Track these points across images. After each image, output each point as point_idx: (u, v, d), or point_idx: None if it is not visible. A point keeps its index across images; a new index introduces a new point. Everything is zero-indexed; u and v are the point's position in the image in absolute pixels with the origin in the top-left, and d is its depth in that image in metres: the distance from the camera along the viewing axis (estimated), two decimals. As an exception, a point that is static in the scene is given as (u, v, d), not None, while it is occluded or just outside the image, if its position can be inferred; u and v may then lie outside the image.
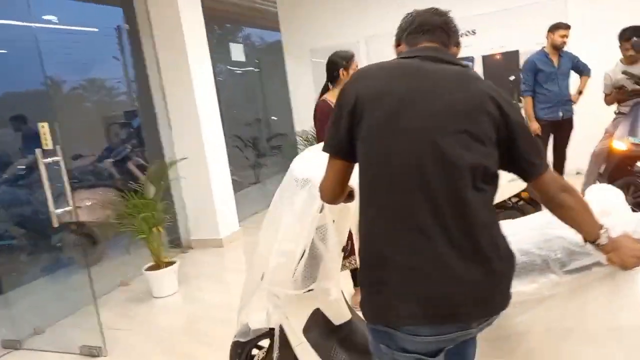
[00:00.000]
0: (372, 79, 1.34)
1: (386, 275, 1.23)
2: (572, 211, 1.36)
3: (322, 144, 1.92)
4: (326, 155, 1.43)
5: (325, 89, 3.26)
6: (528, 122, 4.90)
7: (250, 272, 2.09)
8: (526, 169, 1.33)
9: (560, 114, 4.83)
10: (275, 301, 1.98)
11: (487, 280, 1.24)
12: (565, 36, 4.73)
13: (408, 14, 1.50)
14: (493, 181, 1.30)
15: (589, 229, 1.40)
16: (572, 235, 1.50)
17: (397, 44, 1.53)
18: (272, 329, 2.08)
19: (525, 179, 1.36)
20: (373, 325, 1.30)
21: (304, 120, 7.49)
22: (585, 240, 1.43)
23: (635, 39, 4.13)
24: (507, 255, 1.31)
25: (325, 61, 3.23)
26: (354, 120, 1.31)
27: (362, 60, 7.02)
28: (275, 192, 2.02)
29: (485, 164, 1.25)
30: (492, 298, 1.27)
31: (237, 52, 7.97)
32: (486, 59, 6.48)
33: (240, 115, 9.65)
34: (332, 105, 3.26)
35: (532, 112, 4.89)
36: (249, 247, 5.18)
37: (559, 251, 1.54)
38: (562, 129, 4.90)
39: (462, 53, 6.62)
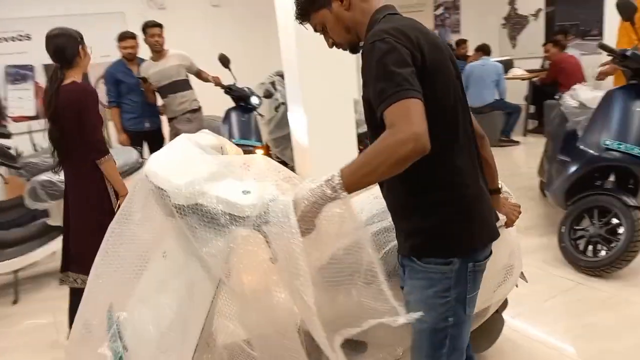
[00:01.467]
0: (413, 27, 1.32)
1: (484, 204, 1.42)
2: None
3: (202, 134, 1.71)
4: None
5: (56, 75, 2.73)
6: (118, 134, 4.70)
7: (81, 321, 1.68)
8: None
9: (147, 124, 4.76)
10: None
11: None
12: (132, 46, 4.57)
13: None
14: None
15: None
16: None
17: None
18: None
19: None
20: (477, 247, 1.39)
21: None
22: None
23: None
24: None
25: None
26: (418, 62, 1.26)
27: None
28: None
29: None
30: None
31: None
32: (49, 69, 5.71)
33: None
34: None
35: (120, 122, 4.70)
36: None
37: None
38: (153, 140, 4.80)
39: (18, 60, 5.57)
